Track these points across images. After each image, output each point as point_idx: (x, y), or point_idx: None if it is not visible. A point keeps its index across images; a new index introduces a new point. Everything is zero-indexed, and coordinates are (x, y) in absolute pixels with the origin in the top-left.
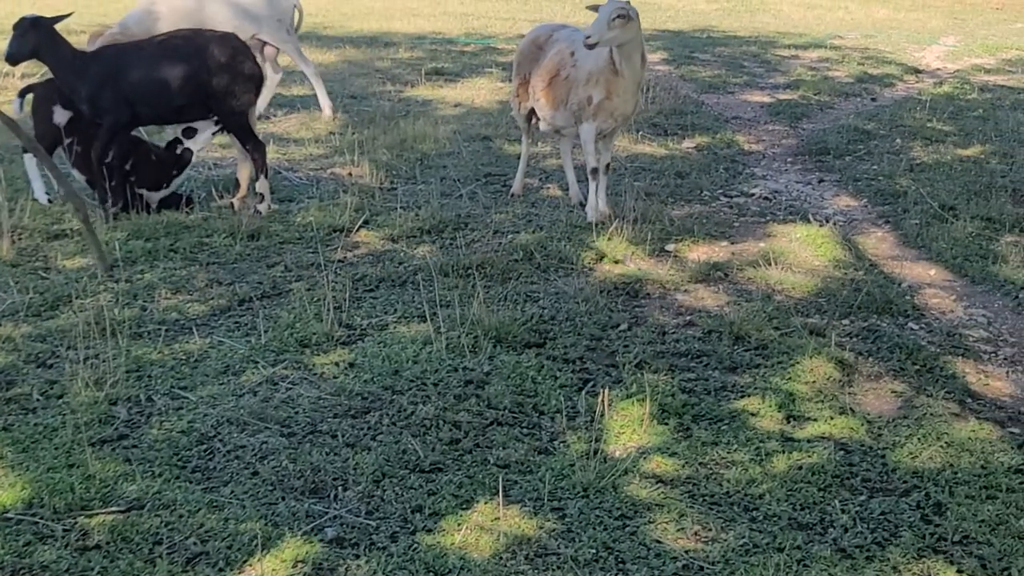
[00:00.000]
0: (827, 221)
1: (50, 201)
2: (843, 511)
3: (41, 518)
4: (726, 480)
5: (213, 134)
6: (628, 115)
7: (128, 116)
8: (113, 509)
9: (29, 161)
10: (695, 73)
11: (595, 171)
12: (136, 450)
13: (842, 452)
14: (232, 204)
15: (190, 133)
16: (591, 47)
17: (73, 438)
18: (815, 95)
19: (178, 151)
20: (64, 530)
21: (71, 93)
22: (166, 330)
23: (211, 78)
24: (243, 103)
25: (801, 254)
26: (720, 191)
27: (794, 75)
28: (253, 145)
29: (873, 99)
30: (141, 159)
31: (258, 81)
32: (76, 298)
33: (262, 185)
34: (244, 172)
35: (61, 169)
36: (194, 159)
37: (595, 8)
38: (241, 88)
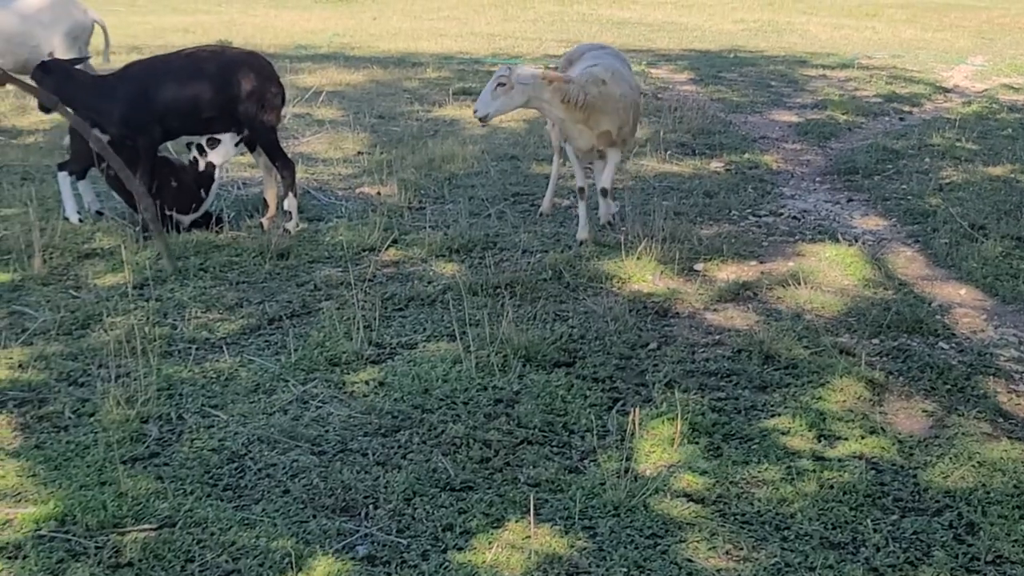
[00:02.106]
0: (856, 240)
1: (81, 220)
2: (875, 530)
3: (74, 535)
4: (757, 499)
5: (236, 145)
6: (587, 149)
7: (160, 133)
8: (145, 527)
9: (63, 180)
10: (722, 93)
11: (581, 191)
12: (168, 468)
13: (873, 471)
14: (261, 224)
15: (213, 144)
16: (481, 121)
17: (105, 456)
18: (843, 115)
19: (200, 166)
20: (97, 547)
21: (100, 118)
22: (196, 348)
23: (241, 93)
24: (274, 119)
25: (830, 273)
26: (748, 210)
27: (822, 95)
28: (283, 163)
29: (901, 119)
30: (166, 182)
31: (283, 97)
32: (107, 316)
33: (291, 203)
34: (271, 192)
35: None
36: (218, 174)
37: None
38: (270, 103)
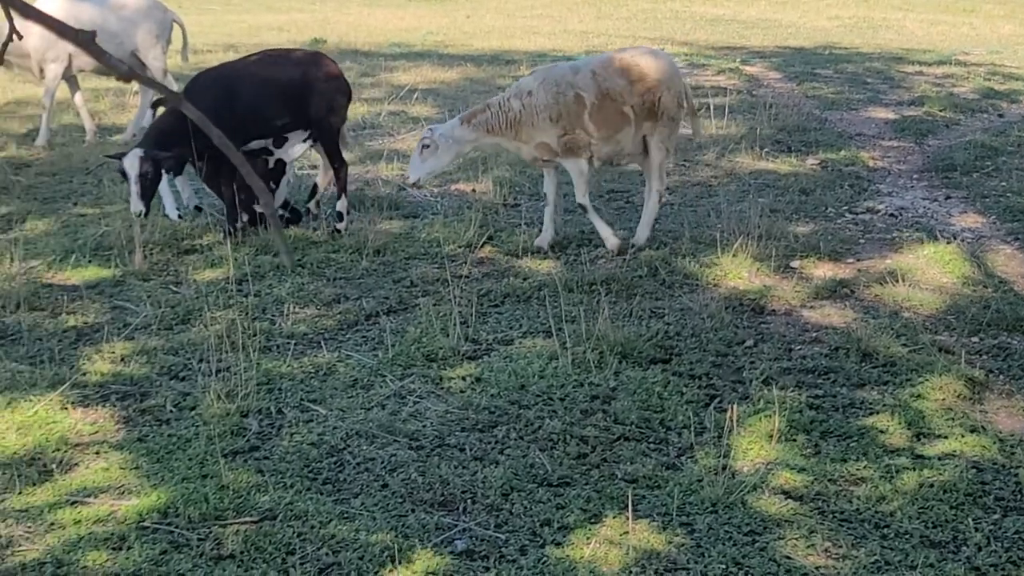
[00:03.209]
0: (954, 238)
1: (180, 217)
2: (976, 529)
3: (176, 527)
4: (856, 497)
5: (304, 140)
6: (532, 161)
7: (241, 139)
8: (246, 519)
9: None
10: (817, 90)
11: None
12: (268, 461)
13: (974, 470)
14: (308, 208)
15: (280, 142)
16: (414, 186)
17: (206, 449)
18: (940, 111)
19: (270, 164)
20: (199, 539)
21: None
22: (295, 344)
23: (313, 95)
24: (341, 119)
25: (928, 271)
26: (845, 208)
27: (918, 91)
28: (340, 164)
29: (1000, 115)
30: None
31: (349, 97)
32: (207, 312)
33: (342, 204)
34: (324, 178)
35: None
36: (289, 169)
37: None
38: (338, 104)
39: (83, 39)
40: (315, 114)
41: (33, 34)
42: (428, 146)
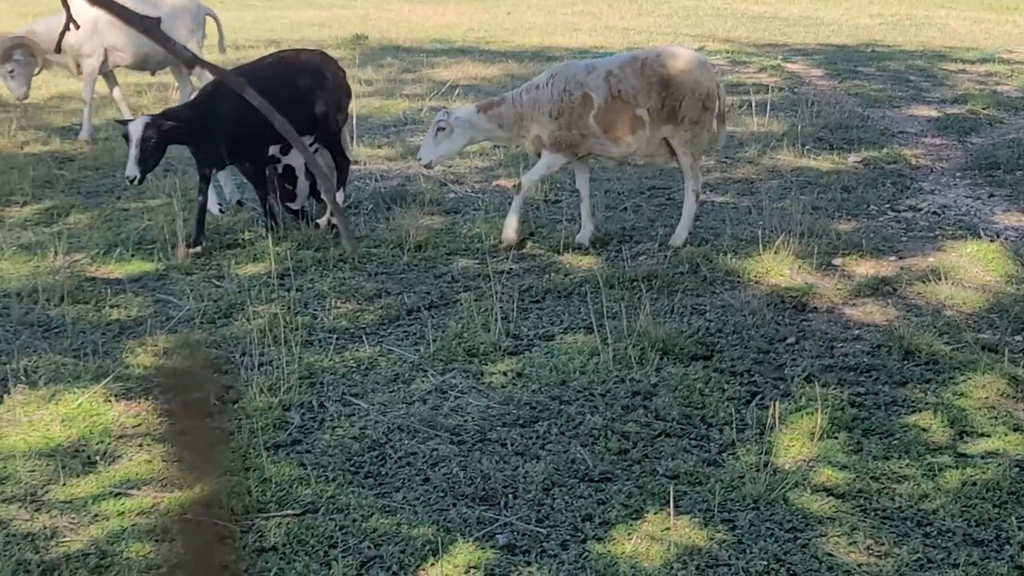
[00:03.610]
0: (998, 236)
1: (221, 211)
2: (1020, 528)
3: (219, 520)
4: (898, 494)
5: (310, 145)
6: (535, 154)
7: (262, 145)
8: (289, 512)
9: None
10: (860, 87)
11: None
12: (310, 455)
13: (1017, 468)
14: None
15: (286, 149)
16: (427, 168)
17: (249, 442)
18: (983, 109)
19: (279, 170)
20: (242, 532)
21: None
22: (337, 338)
23: (323, 94)
24: (344, 117)
25: (971, 270)
26: (887, 205)
27: (961, 89)
28: (343, 159)
29: None
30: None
31: (351, 97)
32: (249, 305)
33: (339, 197)
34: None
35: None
36: (301, 173)
37: None
38: (344, 104)
39: (148, 26)
40: (322, 113)
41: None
42: (443, 128)
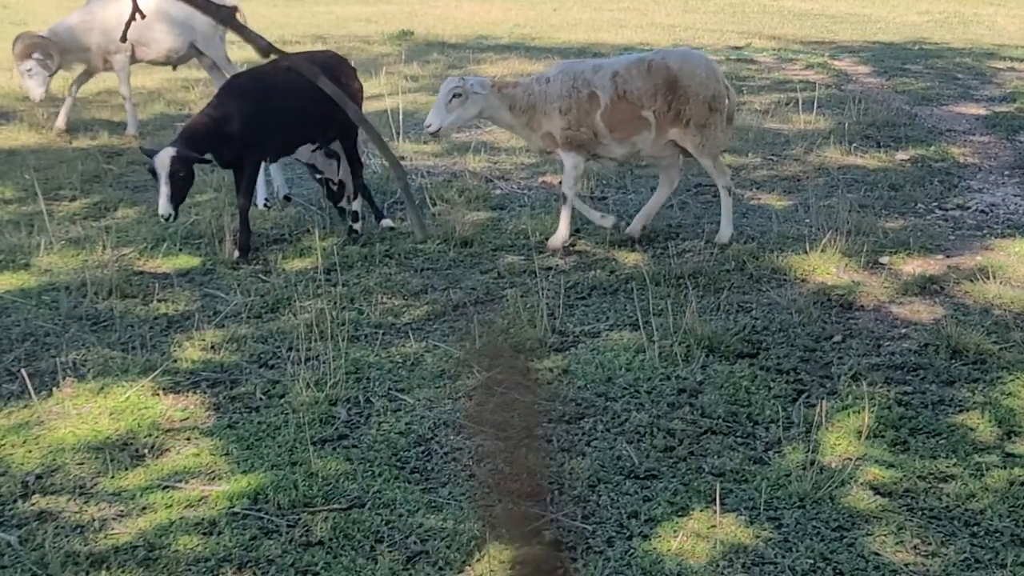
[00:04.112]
0: None
1: (267, 206)
2: None
3: (266, 513)
4: (945, 494)
5: (313, 151)
6: (537, 151)
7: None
8: (335, 507)
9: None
10: (907, 85)
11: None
12: (356, 450)
13: None
14: (343, 209)
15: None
16: (434, 135)
17: (295, 437)
18: None
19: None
20: (288, 526)
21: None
22: (383, 333)
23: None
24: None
25: (1020, 268)
26: (935, 204)
27: (1010, 87)
28: (359, 163)
29: None
30: None
31: (362, 94)
32: (296, 300)
33: (358, 204)
34: (346, 178)
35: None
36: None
37: None
38: (360, 104)
39: (224, 15)
40: (342, 116)
41: (94, 29)
42: (459, 95)
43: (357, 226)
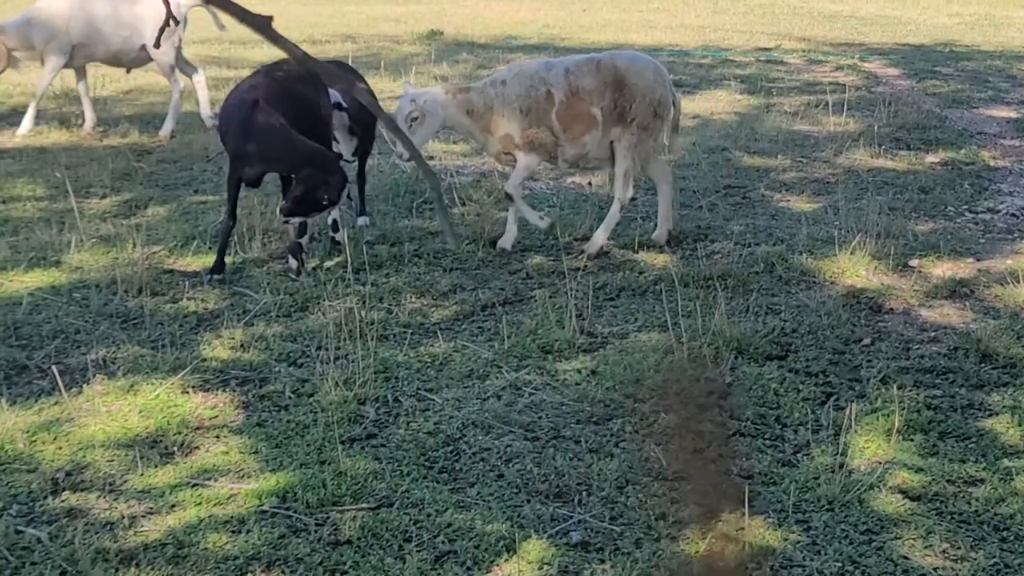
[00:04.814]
0: None
1: None
2: None
3: (295, 512)
4: (975, 498)
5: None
6: (495, 155)
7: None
8: (363, 506)
9: None
10: (937, 87)
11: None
12: (384, 449)
13: None
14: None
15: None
16: (408, 161)
17: (324, 435)
18: None
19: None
20: (317, 524)
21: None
22: (411, 333)
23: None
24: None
25: None
26: (965, 207)
27: None
28: (364, 171)
29: None
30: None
31: None
32: (325, 300)
33: (362, 221)
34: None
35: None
36: None
37: None
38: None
39: (260, 24)
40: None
41: (39, 25)
42: (416, 118)
43: (338, 236)
